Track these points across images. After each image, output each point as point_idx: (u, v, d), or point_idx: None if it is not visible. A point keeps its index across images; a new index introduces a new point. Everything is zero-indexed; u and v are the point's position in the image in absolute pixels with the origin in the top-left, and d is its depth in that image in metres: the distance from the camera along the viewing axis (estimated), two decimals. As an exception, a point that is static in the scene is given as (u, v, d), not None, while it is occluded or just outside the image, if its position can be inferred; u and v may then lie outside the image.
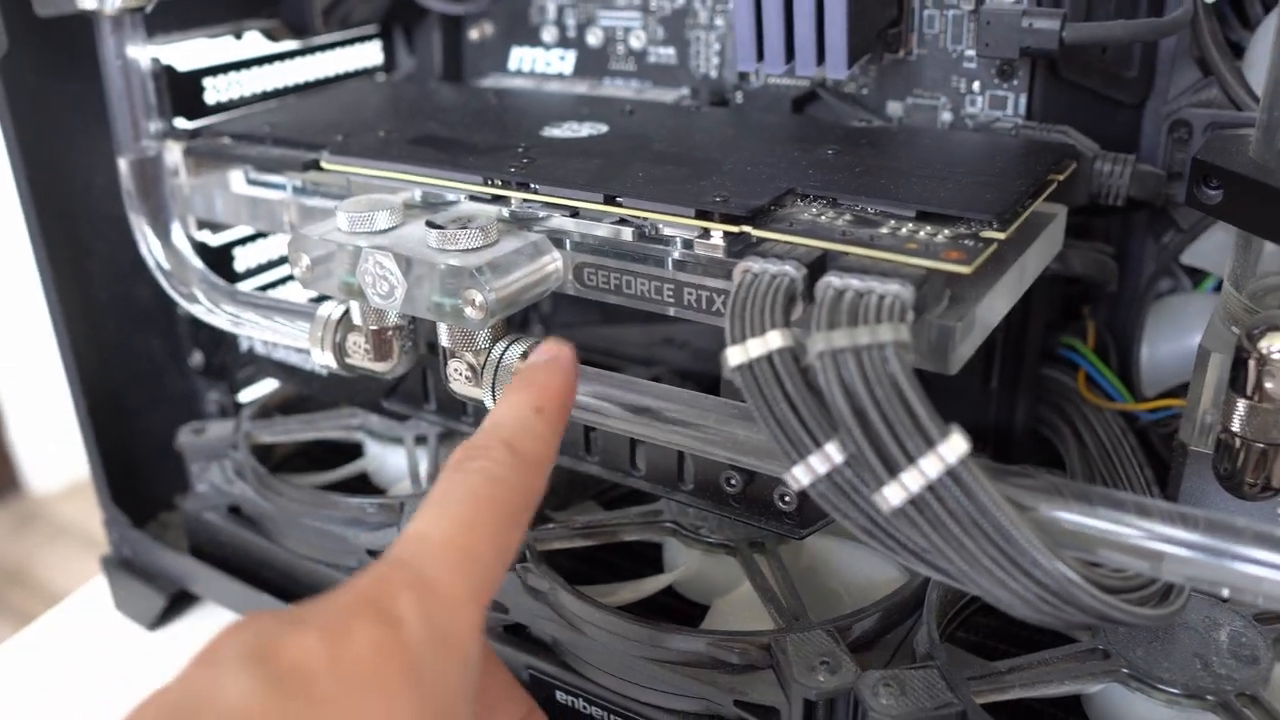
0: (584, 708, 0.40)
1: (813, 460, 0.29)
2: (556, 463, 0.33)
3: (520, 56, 0.56)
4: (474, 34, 0.57)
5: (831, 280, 0.31)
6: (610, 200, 0.37)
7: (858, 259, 0.32)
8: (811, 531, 0.37)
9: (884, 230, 0.34)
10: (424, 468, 0.49)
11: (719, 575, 0.42)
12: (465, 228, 0.37)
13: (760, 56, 0.43)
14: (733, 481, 0.38)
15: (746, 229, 0.35)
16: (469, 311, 0.36)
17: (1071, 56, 0.43)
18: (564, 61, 0.55)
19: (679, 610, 0.44)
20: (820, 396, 0.29)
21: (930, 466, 0.28)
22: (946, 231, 0.34)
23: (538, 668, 0.41)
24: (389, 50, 0.61)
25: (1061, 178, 0.40)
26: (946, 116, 0.46)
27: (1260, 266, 0.41)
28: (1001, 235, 0.34)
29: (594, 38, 0.54)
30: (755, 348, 0.30)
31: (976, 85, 0.45)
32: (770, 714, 0.36)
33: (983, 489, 0.28)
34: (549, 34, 0.55)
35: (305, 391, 0.54)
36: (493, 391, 0.38)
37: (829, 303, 0.30)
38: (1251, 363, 0.34)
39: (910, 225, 0.35)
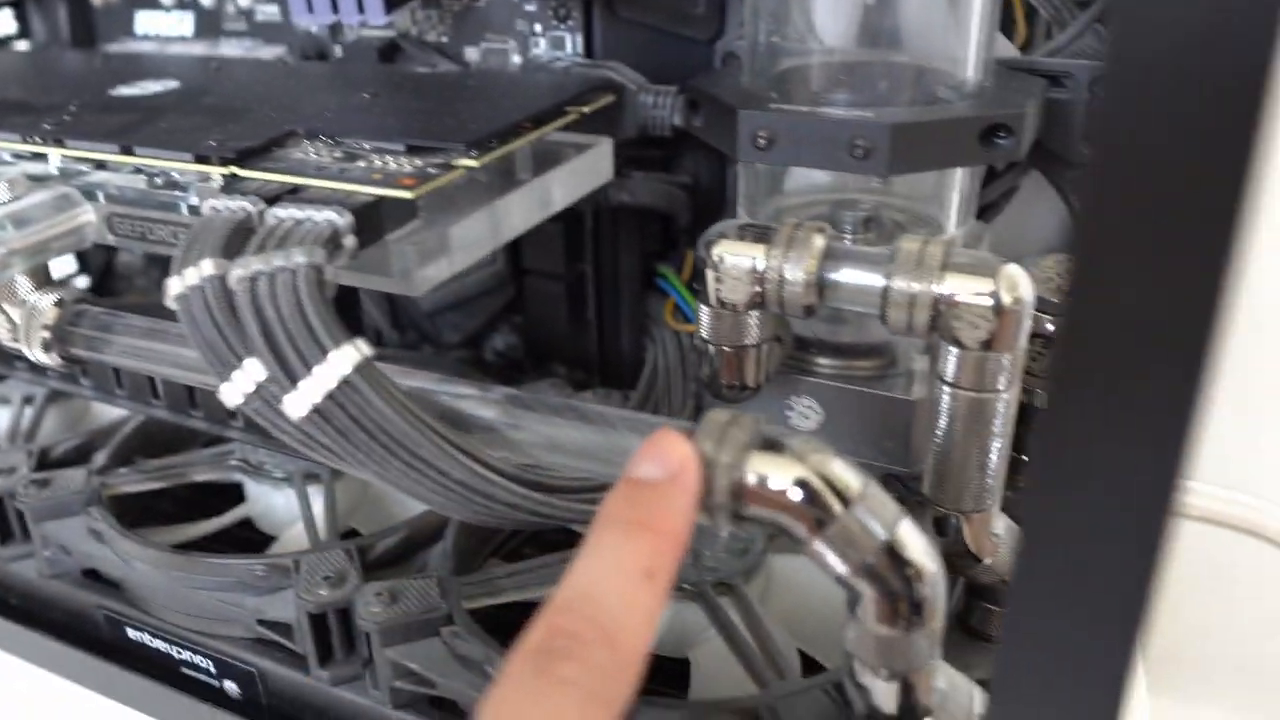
0: (150, 640, 0.41)
1: (237, 378, 0.31)
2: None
3: (144, 20, 0.57)
4: (98, -1, 0.58)
5: (275, 211, 0.33)
6: (126, 151, 0.38)
7: (318, 191, 0.34)
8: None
9: (362, 164, 0.36)
10: (26, 421, 0.49)
11: (284, 508, 0.44)
12: (-14, 184, 0.38)
13: (310, 8, 0.44)
14: (263, 415, 0.39)
15: (234, 170, 0.36)
16: (-13, 264, 0.37)
17: (625, -4, 0.45)
18: (183, 24, 0.55)
19: (263, 546, 0.45)
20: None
21: (326, 375, 0.29)
22: (419, 161, 0.36)
23: (109, 607, 0.42)
24: (23, 19, 0.60)
25: (586, 110, 0.42)
26: (516, 59, 0.48)
27: (789, 184, 0.43)
28: (474, 163, 0.36)
29: (207, -1, 0.54)
30: (190, 276, 0.32)
31: (538, 27, 0.47)
32: (286, 630, 0.37)
33: (381, 394, 0.29)
34: (167, -4, 0.56)
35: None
36: (28, 343, 0.39)
37: (264, 232, 0.32)
38: (708, 271, 0.36)
39: (392, 158, 0.36)
